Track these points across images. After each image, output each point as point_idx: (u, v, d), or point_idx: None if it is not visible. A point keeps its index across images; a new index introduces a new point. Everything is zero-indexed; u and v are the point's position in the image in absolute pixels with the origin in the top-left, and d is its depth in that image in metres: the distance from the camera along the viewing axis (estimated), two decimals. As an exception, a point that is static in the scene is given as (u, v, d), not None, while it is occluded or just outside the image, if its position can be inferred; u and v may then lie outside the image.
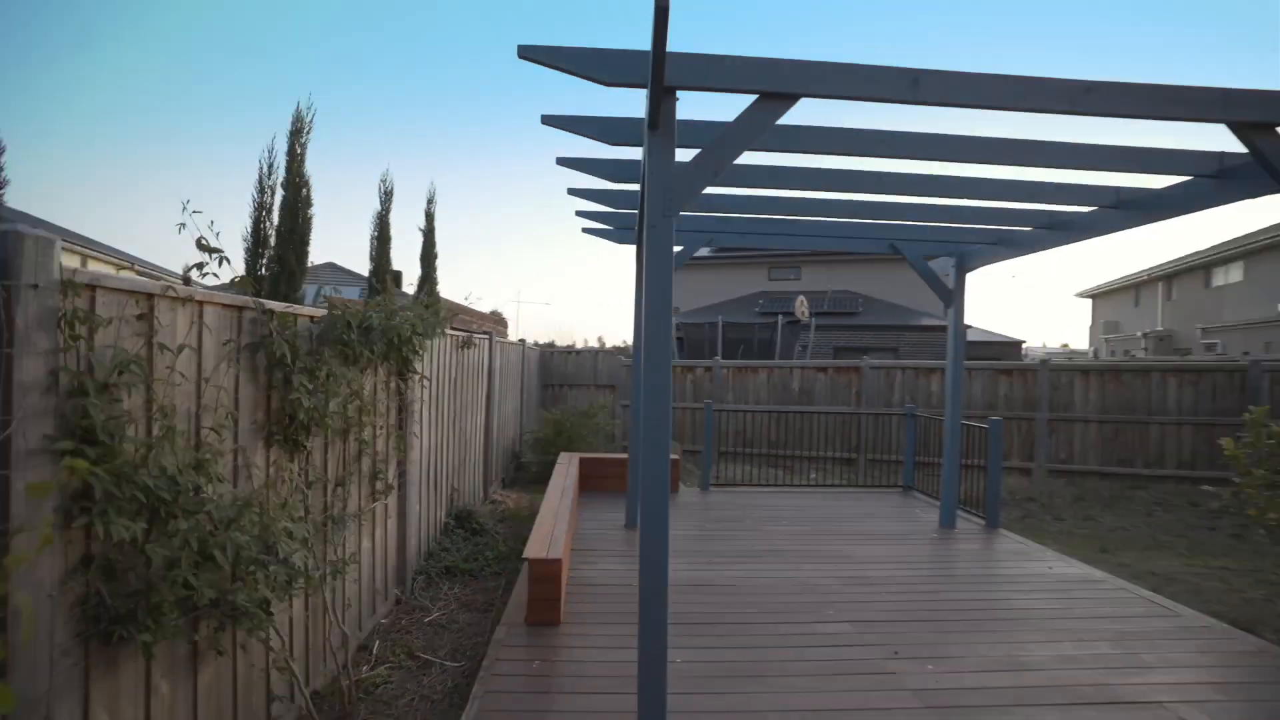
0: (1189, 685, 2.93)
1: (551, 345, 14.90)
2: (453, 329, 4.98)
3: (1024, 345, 25.99)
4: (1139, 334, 27.15)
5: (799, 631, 3.41)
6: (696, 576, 4.21)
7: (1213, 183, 3.24)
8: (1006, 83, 2.46)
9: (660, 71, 2.20)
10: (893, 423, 9.22)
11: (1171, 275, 24.87)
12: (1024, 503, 8.37)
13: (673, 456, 6.73)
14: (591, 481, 6.58)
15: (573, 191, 4.38)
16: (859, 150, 3.09)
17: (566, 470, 5.90)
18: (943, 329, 17.81)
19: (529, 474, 8.69)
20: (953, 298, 5.53)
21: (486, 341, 6.61)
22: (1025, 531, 6.54)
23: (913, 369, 9.90)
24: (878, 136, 3.02)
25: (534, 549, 3.51)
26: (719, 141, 2.42)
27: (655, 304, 2.38)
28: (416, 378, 4.17)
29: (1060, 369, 9.42)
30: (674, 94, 2.38)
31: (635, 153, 3.34)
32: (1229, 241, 21.70)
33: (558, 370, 11.41)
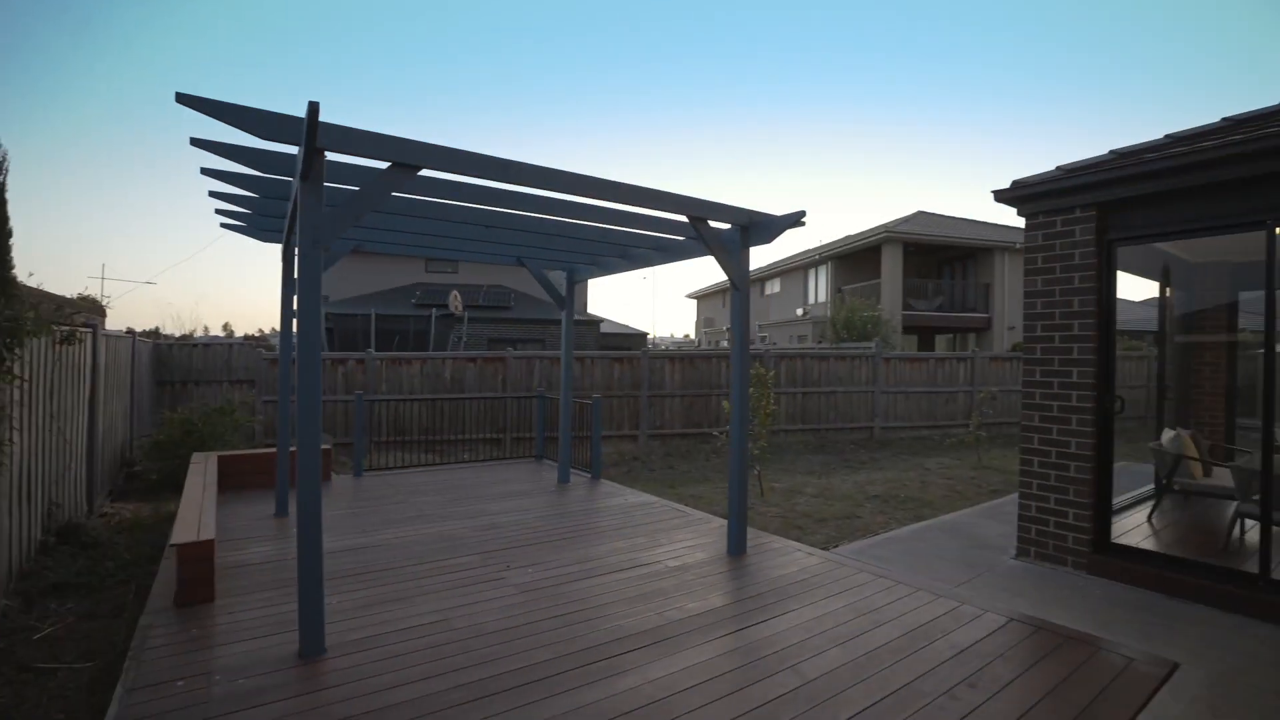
0: (680, 548, 4.82)
1: (158, 333, 12.81)
2: (58, 324, 4.53)
3: (649, 336, 31.45)
4: (725, 328, 35.28)
5: (437, 567, 4.38)
6: (349, 543, 4.84)
7: (695, 242, 5.25)
8: (564, 174, 3.78)
9: (313, 137, 2.89)
10: (532, 405, 10.82)
11: (742, 284, 32.82)
12: (630, 461, 10.82)
13: (325, 448, 7.00)
14: (235, 479, 6.44)
15: (210, 185, 4.48)
16: (472, 199, 4.16)
17: (204, 469, 5.75)
18: (585, 323, 20.65)
19: (146, 483, 7.75)
20: (565, 302, 7.13)
21: (90, 335, 5.88)
22: (623, 480, 8.65)
23: (549, 358, 11.71)
24: (486, 190, 4.14)
25: (182, 535, 3.72)
26: (359, 195, 3.21)
27: (307, 323, 3.05)
28: (12, 379, 3.84)
29: (656, 356, 12.29)
30: (323, 153, 3.07)
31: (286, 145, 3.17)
32: (771, 264, 29.87)
33: (180, 365, 10.11)
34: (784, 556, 4.72)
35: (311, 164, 3.02)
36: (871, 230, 22.79)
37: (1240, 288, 5.52)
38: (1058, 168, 4.66)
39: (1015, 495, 7.06)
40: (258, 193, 4.32)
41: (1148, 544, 4.74)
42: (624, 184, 4.01)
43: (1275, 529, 3.89)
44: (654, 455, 11.29)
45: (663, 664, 3.07)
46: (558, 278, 7.38)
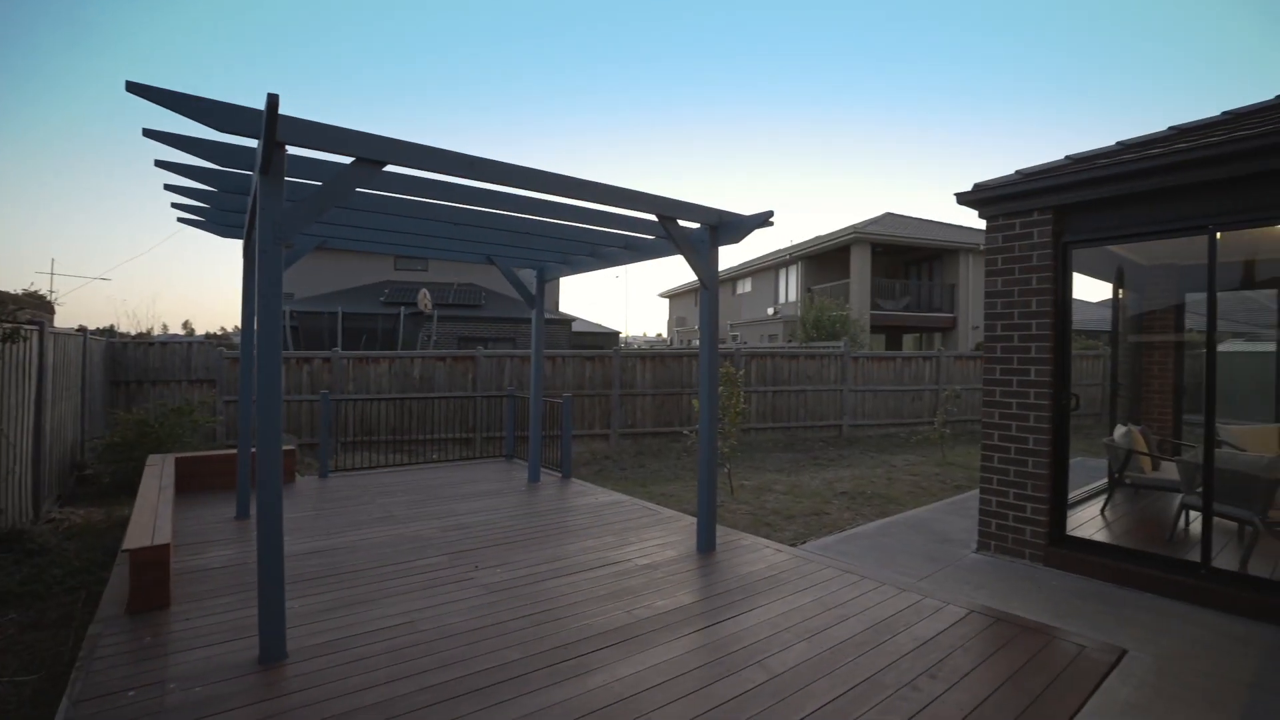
0: (650, 546, 4.83)
1: (113, 331, 12.37)
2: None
3: (622, 335, 31.44)
4: (697, 327, 35.47)
5: (404, 569, 4.31)
6: (313, 546, 4.73)
7: (665, 242, 5.26)
8: (533, 172, 3.76)
9: (272, 130, 2.82)
10: (502, 404, 10.75)
11: (714, 283, 33.06)
12: (601, 460, 10.81)
13: (289, 448, 6.85)
14: (194, 481, 6.26)
15: (167, 178, 4.34)
16: (440, 197, 4.11)
17: (161, 471, 5.57)
18: (556, 322, 20.55)
19: (99, 486, 7.48)
20: (535, 301, 7.09)
21: (36, 333, 5.65)
22: (594, 479, 8.65)
23: (520, 357, 11.63)
24: (455, 187, 4.09)
25: (135, 539, 3.61)
26: (322, 190, 3.14)
27: (267, 321, 2.98)
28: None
29: (627, 356, 12.29)
30: (284, 147, 3.00)
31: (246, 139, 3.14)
32: (743, 264, 30.12)
33: (135, 364, 9.77)
34: (753, 553, 4.76)
35: (271, 158, 2.95)
36: (840, 231, 23.14)
37: (1186, 289, 5.75)
38: (1017, 172, 4.79)
39: (977, 491, 7.24)
40: (216, 186, 4.20)
41: (1100, 536, 4.91)
42: (593, 182, 4.00)
43: (1216, 520, 4.06)
44: (625, 454, 11.30)
45: (631, 662, 3.07)
46: (528, 276, 7.33)
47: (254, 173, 3.62)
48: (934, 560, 4.82)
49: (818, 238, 25.01)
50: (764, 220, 4.68)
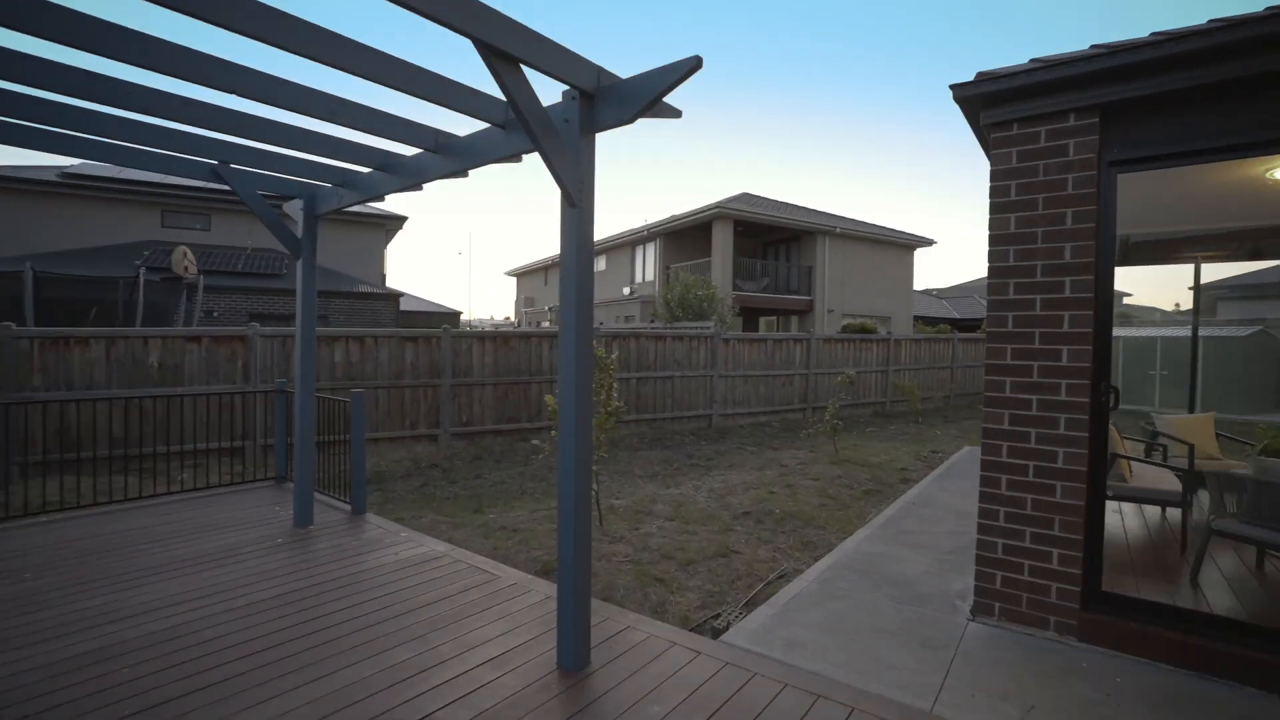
0: (478, 663, 2.69)
1: None
2: None
3: (463, 316, 28.24)
4: (546, 308, 33.12)
5: None
6: None
7: (502, 133, 3.09)
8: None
9: None
10: (273, 402, 7.87)
11: (567, 262, 30.97)
12: (426, 469, 8.36)
13: None
14: None
15: None
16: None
17: None
18: (379, 297, 17.20)
19: None
20: (301, 248, 4.54)
21: None
22: (414, 498, 6.37)
23: (325, 338, 8.70)
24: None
25: None
26: None
27: None
28: None
29: (461, 336, 9.82)
30: None
31: None
32: (597, 241, 28.29)
33: None
34: (654, 664, 2.82)
35: None
36: (704, 208, 22.07)
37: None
38: (1032, 60, 3.24)
39: (901, 501, 5.95)
40: None
41: (1144, 589, 3.56)
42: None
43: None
44: (458, 459, 8.93)
45: None
46: (293, 208, 4.76)
47: None
48: (923, 642, 3.19)
49: (678, 215, 23.81)
50: (678, 77, 2.61)
